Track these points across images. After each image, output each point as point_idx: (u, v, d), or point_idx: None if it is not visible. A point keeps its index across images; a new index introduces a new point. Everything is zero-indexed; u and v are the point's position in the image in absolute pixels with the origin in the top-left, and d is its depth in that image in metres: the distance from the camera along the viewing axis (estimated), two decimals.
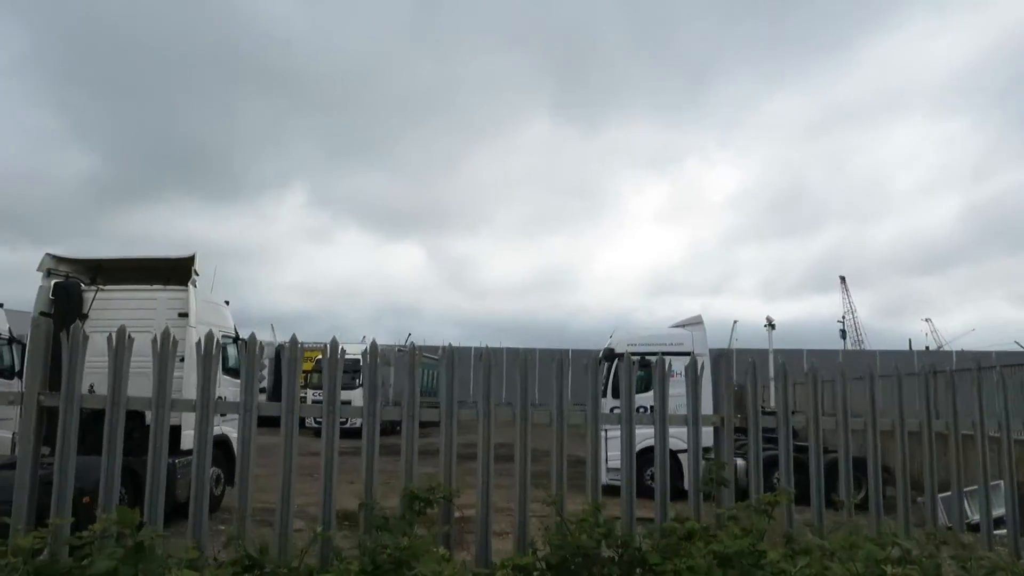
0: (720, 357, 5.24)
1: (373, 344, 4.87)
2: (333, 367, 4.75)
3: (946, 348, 56.29)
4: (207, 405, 4.64)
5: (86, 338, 4.62)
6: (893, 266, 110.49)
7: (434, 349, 50.41)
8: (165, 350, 4.67)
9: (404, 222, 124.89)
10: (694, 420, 4.94)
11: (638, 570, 3.61)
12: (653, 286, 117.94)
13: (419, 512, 4.16)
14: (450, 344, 4.86)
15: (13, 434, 5.95)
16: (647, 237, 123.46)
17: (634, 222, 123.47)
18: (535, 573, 3.54)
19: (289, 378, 4.72)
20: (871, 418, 5.24)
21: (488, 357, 4.76)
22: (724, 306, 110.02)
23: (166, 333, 4.68)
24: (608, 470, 9.21)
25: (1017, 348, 21.38)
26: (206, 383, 4.65)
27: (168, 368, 4.63)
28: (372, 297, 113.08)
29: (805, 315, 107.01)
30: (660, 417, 4.91)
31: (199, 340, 4.63)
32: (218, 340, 4.76)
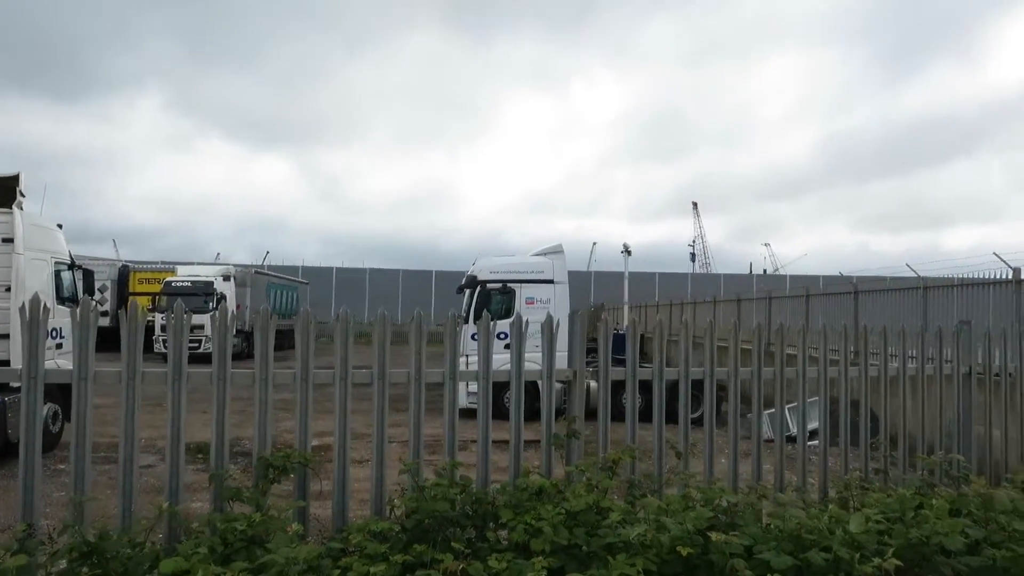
0: (575, 314, 5.50)
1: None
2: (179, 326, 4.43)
3: (781, 272, 61.19)
4: (35, 379, 4.20)
5: None
6: (748, 192, 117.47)
7: (294, 269, 49.08)
8: None
9: (272, 133, 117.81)
10: (548, 375, 5.18)
11: (491, 525, 3.75)
12: (529, 205, 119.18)
13: (273, 480, 4.06)
14: (345, 311, 4.71)
15: None
16: (526, 156, 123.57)
17: (514, 141, 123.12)
18: (392, 536, 3.59)
19: (130, 343, 4.34)
20: (709, 343, 5.60)
21: (347, 319, 4.65)
22: (595, 227, 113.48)
23: None
24: (468, 393, 9.52)
25: (840, 275, 23.75)
26: (33, 356, 4.16)
27: None
28: (234, 212, 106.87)
29: (666, 237, 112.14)
30: (516, 373, 5.10)
31: (22, 305, 4.14)
32: (45, 304, 4.26)
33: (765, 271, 63.00)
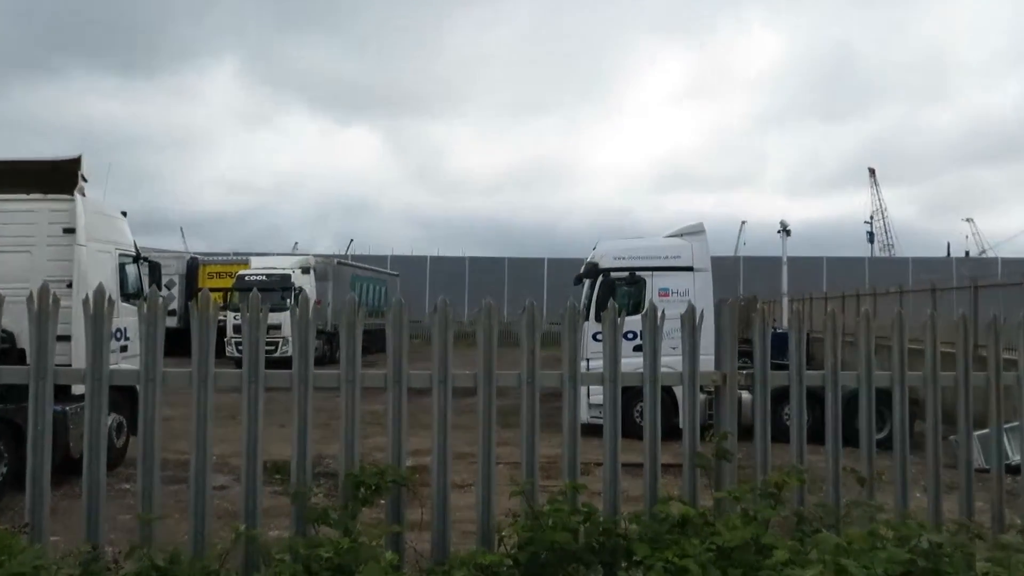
0: (723, 303, 5.45)
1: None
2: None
3: (989, 254, 57.38)
4: (99, 381, 4.50)
5: None
6: (944, 156, 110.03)
7: (382, 259, 50.36)
8: (44, 311, 4.45)
9: (361, 104, 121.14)
10: (691, 379, 5.11)
11: (623, 563, 3.69)
12: (663, 180, 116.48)
13: (364, 502, 4.15)
14: (444, 300, 4.80)
15: None
16: (658, 122, 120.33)
17: (644, 104, 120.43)
18: (502, 571, 3.59)
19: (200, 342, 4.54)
20: (897, 344, 5.28)
21: (446, 309, 4.70)
22: (744, 203, 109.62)
23: (44, 290, 4.42)
24: (589, 406, 9.40)
25: None
26: (98, 354, 4.47)
27: (48, 336, 4.43)
28: (316, 194, 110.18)
29: (836, 214, 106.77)
30: (651, 375, 5.15)
31: (86, 297, 4.42)
32: (111, 297, 4.53)
33: (968, 253, 59.20)
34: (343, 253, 47.15)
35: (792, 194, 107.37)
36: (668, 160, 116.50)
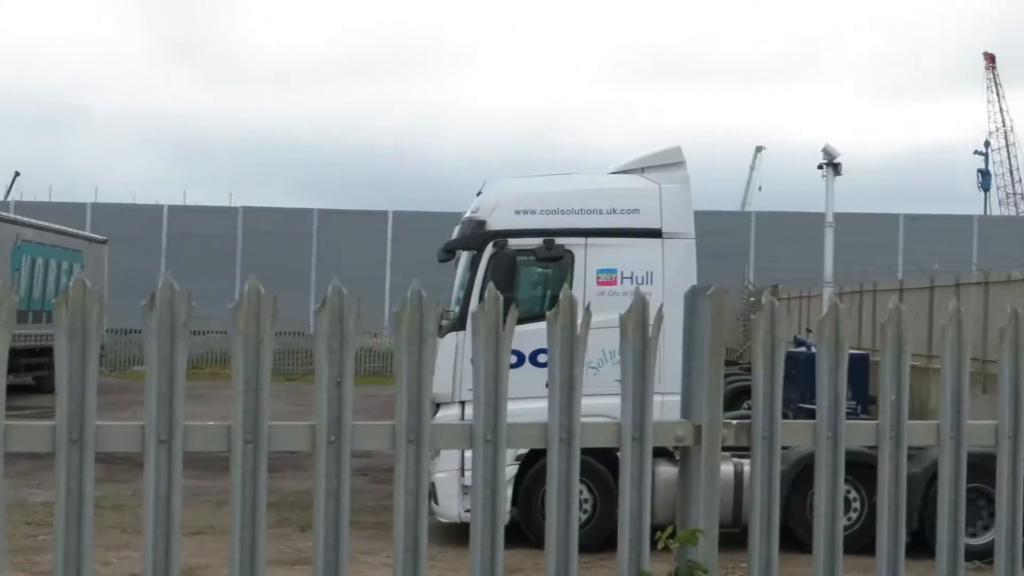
0: (698, 295, 3.87)
1: None
2: None
3: None
4: None
5: None
6: None
7: (77, 211, 35.09)
8: None
9: None
10: (637, 436, 3.52)
11: None
12: (624, 74, 76.21)
13: None
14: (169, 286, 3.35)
15: None
16: None
17: None
18: None
19: None
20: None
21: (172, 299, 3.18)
22: (769, 115, 75.94)
23: None
24: (463, 491, 6.14)
25: None
26: None
27: None
28: None
29: (933, 142, 73.82)
30: (563, 427, 3.41)
31: None
32: None
33: None
34: (1, 199, 36.54)
35: (865, 97, 77.46)
36: (637, 42, 78.23)
